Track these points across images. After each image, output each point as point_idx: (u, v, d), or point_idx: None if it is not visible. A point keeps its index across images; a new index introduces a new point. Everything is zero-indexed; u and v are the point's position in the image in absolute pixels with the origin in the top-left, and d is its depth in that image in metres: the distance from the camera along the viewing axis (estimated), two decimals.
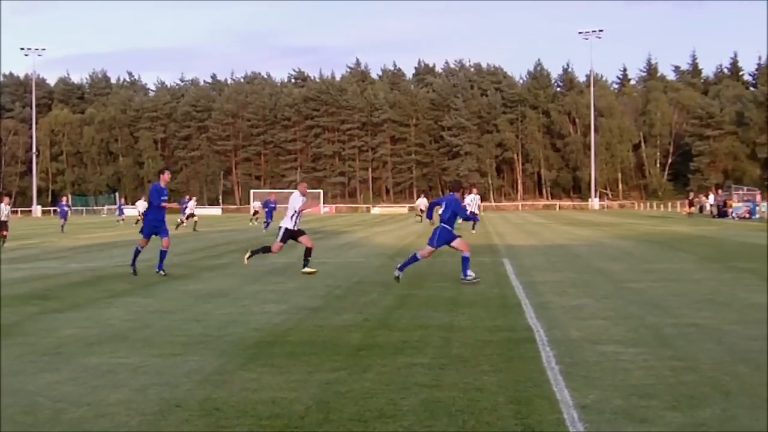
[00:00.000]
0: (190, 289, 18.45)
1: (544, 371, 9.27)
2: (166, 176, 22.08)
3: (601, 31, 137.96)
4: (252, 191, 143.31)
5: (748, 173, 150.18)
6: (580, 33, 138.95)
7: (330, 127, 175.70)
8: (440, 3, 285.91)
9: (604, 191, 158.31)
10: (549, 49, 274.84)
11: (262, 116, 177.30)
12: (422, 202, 73.79)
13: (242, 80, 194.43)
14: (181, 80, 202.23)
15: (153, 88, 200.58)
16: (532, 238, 38.34)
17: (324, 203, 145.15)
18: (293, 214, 22.13)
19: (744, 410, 7.60)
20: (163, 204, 21.57)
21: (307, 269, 21.64)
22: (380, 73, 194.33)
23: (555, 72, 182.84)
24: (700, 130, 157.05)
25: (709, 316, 13.21)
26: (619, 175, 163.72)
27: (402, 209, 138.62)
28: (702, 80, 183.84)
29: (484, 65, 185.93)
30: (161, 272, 20.99)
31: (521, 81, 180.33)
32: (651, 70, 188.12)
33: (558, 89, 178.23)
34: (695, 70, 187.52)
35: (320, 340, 11.56)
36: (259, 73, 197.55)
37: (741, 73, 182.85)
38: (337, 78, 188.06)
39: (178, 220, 54.06)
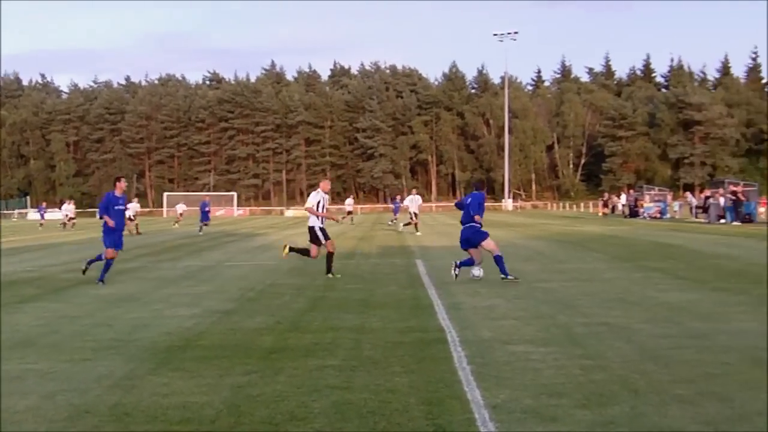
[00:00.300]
0: (100, 294, 18.23)
1: (455, 372, 9.29)
2: (122, 184, 21.13)
3: (515, 33, 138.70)
4: (165, 194, 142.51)
5: (659, 174, 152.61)
6: (495, 35, 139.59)
7: (244, 129, 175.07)
8: (356, 4, 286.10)
9: (518, 192, 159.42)
10: (464, 51, 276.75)
11: (176, 118, 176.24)
12: (349, 203, 73.61)
13: (156, 82, 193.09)
14: (95, 82, 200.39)
15: (66, 90, 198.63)
16: (445, 239, 38.40)
17: (238, 206, 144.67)
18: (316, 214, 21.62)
19: (652, 408, 7.67)
20: (105, 219, 20.62)
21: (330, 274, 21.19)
22: (295, 75, 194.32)
23: (470, 74, 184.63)
24: (612, 131, 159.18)
25: (619, 315, 13.34)
26: (533, 176, 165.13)
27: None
28: (615, 82, 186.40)
29: (399, 67, 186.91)
30: (99, 282, 20.16)
31: (436, 83, 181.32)
32: (565, 71, 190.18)
33: (473, 91, 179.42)
34: (608, 71, 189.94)
35: (232, 343, 11.49)
36: (174, 75, 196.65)
37: (653, 74, 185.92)
38: (252, 80, 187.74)
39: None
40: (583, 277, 19.73)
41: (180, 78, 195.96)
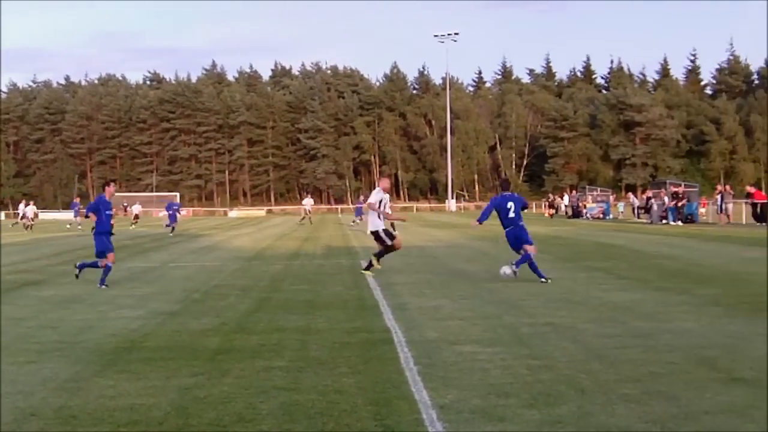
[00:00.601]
0: (44, 296, 18.05)
1: (402, 372, 9.30)
2: (111, 189, 20.70)
3: (456, 34, 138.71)
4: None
5: (601, 174, 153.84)
6: (435, 36, 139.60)
7: (186, 129, 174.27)
8: (296, 4, 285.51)
9: (461, 193, 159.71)
10: (405, 52, 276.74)
11: (118, 119, 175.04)
12: (308, 202, 72.99)
13: (96, 82, 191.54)
14: (34, 82, 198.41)
15: (5, 89, 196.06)
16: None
17: (180, 206, 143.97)
18: (378, 213, 21.55)
19: (599, 407, 7.71)
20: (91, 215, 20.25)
21: (372, 268, 21.28)
22: (237, 75, 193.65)
23: (411, 75, 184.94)
24: (554, 132, 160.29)
25: (564, 315, 13.42)
26: (476, 177, 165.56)
27: (259, 212, 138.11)
28: (556, 83, 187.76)
29: (341, 68, 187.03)
30: (103, 286, 19.85)
31: (378, 83, 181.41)
32: (506, 73, 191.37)
33: (414, 91, 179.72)
34: (549, 73, 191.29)
35: (178, 345, 11.43)
36: (114, 75, 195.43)
37: (594, 76, 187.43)
38: (193, 80, 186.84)
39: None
40: (527, 278, 19.78)
41: (120, 78, 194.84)
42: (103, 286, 19.09)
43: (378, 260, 21.54)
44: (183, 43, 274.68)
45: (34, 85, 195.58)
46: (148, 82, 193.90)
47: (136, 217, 70.82)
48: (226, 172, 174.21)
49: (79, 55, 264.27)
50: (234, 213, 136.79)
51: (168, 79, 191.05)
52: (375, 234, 21.45)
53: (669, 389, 8.35)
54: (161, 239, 44.40)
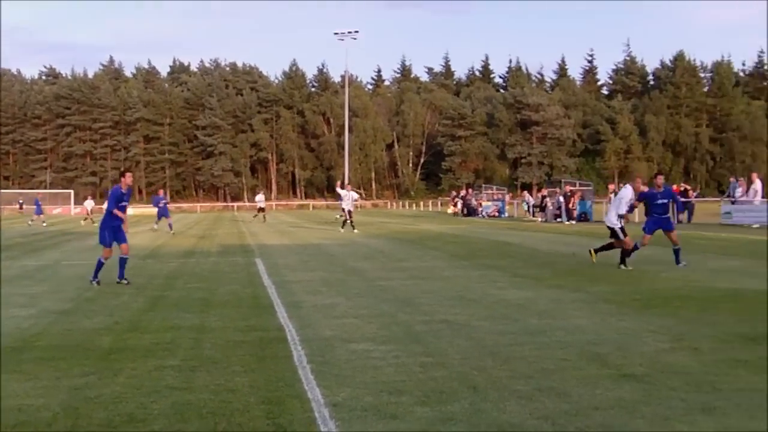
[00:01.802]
0: None
1: (295, 370, 9.31)
2: (128, 179, 19.80)
3: (356, 32, 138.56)
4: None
5: (498, 173, 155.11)
6: (336, 34, 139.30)
7: (82, 125, 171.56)
8: (195, 3, 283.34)
9: (358, 191, 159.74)
10: (305, 50, 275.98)
11: (12, 114, 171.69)
12: (260, 199, 72.02)
13: None
14: None
15: None
16: (285, 238, 38.38)
17: (75, 204, 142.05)
18: (618, 212, 21.83)
19: (491, 404, 7.78)
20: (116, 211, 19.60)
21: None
22: (134, 72, 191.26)
23: (310, 72, 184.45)
24: (452, 131, 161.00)
25: (459, 313, 13.50)
26: (373, 175, 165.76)
27: (155, 209, 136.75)
28: (454, 82, 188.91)
29: (239, 65, 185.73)
30: (124, 281, 19.45)
31: (277, 81, 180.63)
32: (405, 71, 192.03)
33: (313, 89, 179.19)
34: (448, 71, 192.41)
35: (70, 344, 11.27)
36: (9, 70, 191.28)
37: (492, 75, 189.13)
38: (90, 76, 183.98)
39: None
40: (422, 275, 19.89)
41: (15, 73, 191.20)
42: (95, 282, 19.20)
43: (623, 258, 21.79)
44: (80, 39, 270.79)
45: None
46: (44, 78, 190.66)
47: (90, 213, 69.45)
48: (122, 168, 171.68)
49: None
50: (130, 211, 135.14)
51: (64, 75, 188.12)
52: (619, 228, 21.74)
53: (560, 385, 8.46)
54: (54, 237, 43.77)
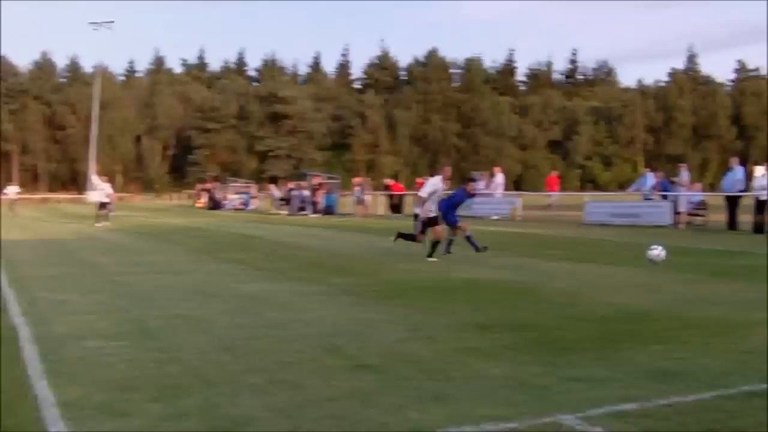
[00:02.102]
0: None
1: (26, 370, 9.03)
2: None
3: (112, 22, 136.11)
4: None
5: (245, 166, 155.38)
6: (91, 24, 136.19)
7: None
8: None
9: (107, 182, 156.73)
10: (56, 39, 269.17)
11: None
12: (12, 190, 69.51)
13: None
14: None
15: None
16: (23, 233, 37.31)
17: None
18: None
19: (225, 397, 7.76)
20: None
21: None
22: None
23: (62, 63, 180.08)
24: (202, 123, 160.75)
25: (196, 307, 13.38)
26: (120, 167, 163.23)
27: None
28: (208, 75, 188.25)
29: None
30: None
31: (25, 71, 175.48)
32: (158, 63, 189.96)
33: (63, 80, 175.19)
34: (202, 64, 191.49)
35: None
36: None
37: (245, 68, 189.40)
38: None
39: None
40: (161, 270, 19.68)
41: None
42: None
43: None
44: None
45: None
46: None
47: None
48: None
49: None
50: None
51: None
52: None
53: (295, 378, 8.49)
54: None
